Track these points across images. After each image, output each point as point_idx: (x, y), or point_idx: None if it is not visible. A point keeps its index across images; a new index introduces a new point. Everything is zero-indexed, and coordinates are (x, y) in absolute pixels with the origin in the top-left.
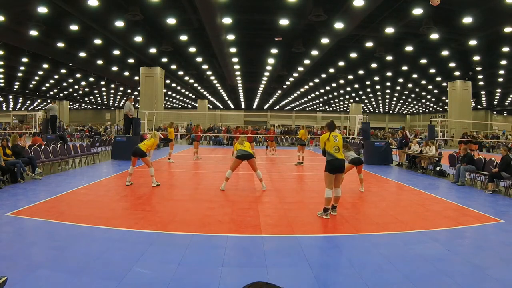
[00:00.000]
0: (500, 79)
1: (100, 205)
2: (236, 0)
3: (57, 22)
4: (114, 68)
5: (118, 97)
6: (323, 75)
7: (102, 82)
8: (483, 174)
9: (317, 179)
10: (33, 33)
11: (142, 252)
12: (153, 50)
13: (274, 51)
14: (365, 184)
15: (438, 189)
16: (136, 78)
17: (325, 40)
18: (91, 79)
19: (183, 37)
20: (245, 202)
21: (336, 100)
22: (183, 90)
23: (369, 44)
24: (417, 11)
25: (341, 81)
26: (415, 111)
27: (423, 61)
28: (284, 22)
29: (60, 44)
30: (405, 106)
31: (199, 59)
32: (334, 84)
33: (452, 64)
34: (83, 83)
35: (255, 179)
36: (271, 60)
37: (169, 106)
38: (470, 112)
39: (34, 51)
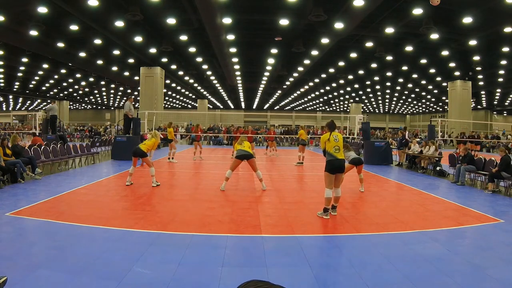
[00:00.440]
0: (500, 79)
1: (100, 205)
2: (236, 0)
3: (57, 22)
4: (114, 68)
5: (118, 97)
6: (323, 75)
7: (102, 82)
8: (483, 174)
9: (317, 179)
10: (33, 33)
11: (142, 252)
12: (153, 50)
13: (274, 51)
14: (365, 184)
15: (438, 189)
16: (136, 78)
17: (325, 40)
18: (91, 79)
19: (183, 37)
20: (245, 202)
21: (336, 100)
22: (183, 90)
23: (369, 44)
24: (417, 11)
25: (341, 81)
26: (415, 111)
27: (423, 61)
28: (284, 22)
29: (60, 44)
30: (405, 106)
31: (199, 59)
32: (334, 84)
33: (452, 64)
34: (83, 83)
35: (255, 179)
36: (271, 60)
37: (169, 106)
38: (470, 112)
39: (34, 51)
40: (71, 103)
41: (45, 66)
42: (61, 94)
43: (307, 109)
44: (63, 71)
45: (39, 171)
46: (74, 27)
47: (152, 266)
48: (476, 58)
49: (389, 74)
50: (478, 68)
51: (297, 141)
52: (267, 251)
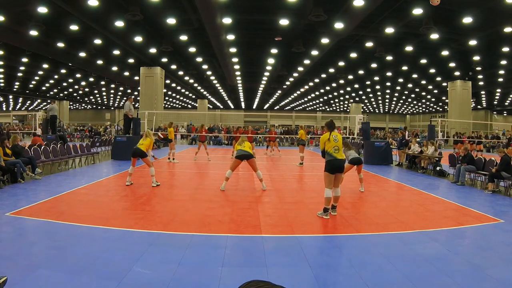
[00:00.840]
0: (500, 79)
1: (100, 205)
2: (236, 0)
3: (57, 22)
4: (114, 68)
5: (118, 97)
6: (323, 75)
7: (102, 82)
8: (483, 174)
9: (317, 179)
10: (33, 33)
11: (142, 252)
12: (153, 50)
13: (274, 51)
14: (365, 184)
15: (438, 189)
16: (136, 78)
17: (325, 40)
18: (91, 79)
19: (183, 37)
20: (245, 202)
21: (336, 100)
22: (183, 90)
23: (369, 44)
24: (417, 11)
25: (341, 81)
26: (415, 111)
27: (423, 61)
28: (284, 22)
29: (60, 44)
30: (405, 106)
31: (199, 59)
32: (334, 84)
33: (452, 64)
34: (83, 83)
35: (255, 179)
36: (271, 60)
37: (169, 106)
38: (470, 112)
39: (34, 51)
40: (71, 103)
41: (45, 66)
42: (61, 94)
43: (307, 109)
44: (63, 71)
45: (39, 171)
46: (74, 27)
47: (152, 266)
48: (476, 58)
49: (389, 74)
50: (478, 68)
51: (297, 141)
52: (267, 251)
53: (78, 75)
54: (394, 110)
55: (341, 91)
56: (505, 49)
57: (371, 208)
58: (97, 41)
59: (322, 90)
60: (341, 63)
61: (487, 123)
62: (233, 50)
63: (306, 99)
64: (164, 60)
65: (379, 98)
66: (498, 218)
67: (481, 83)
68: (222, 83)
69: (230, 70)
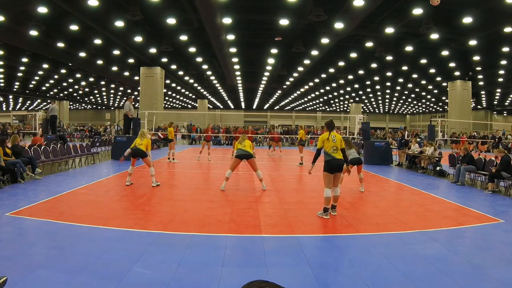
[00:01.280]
0: (500, 79)
1: (100, 205)
2: (236, 0)
3: (57, 22)
4: (114, 68)
5: (118, 97)
6: (323, 75)
7: (102, 82)
8: (483, 174)
9: (317, 179)
10: (33, 33)
11: (142, 252)
12: (153, 50)
13: (274, 51)
14: (365, 184)
15: (438, 189)
16: (136, 78)
17: (325, 40)
18: (91, 79)
19: (183, 37)
20: (245, 202)
21: (336, 100)
22: (183, 90)
23: (369, 44)
24: (417, 11)
25: (341, 81)
26: (415, 111)
27: (423, 61)
28: (284, 22)
29: (60, 44)
30: (405, 106)
31: (199, 59)
32: (334, 84)
33: (452, 64)
34: (83, 83)
35: (255, 179)
36: (271, 60)
37: (169, 106)
38: (470, 112)
39: (34, 51)
40: (71, 103)
41: (45, 66)
42: (61, 94)
43: (307, 109)
44: (63, 71)
45: (39, 171)
46: (74, 27)
47: (152, 266)
48: (476, 58)
49: (389, 74)
50: (478, 68)
51: (297, 141)
52: (267, 251)
53: (78, 75)
54: (394, 110)
55: (341, 91)
56: (505, 49)
57: (371, 208)
58: (97, 41)
59: (322, 90)
60: (341, 63)
61: (487, 123)
62: (233, 50)
63: (306, 99)
64: (164, 60)
65: (379, 98)
66: (498, 218)
67: (481, 83)
68: (222, 83)
69: (230, 70)
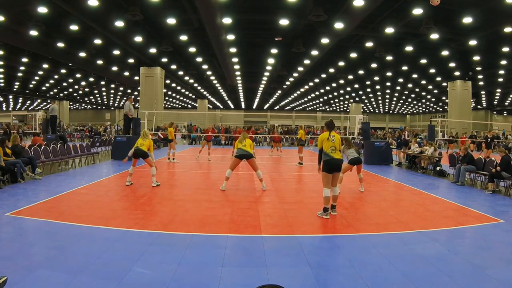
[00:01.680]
0: (500, 79)
1: (100, 205)
2: (236, 0)
3: (57, 22)
4: (114, 68)
5: (118, 97)
6: (323, 75)
7: (102, 82)
8: (483, 174)
9: (317, 179)
10: (33, 33)
11: (142, 252)
12: (153, 50)
13: (274, 51)
14: (365, 184)
15: (438, 189)
16: (136, 78)
17: (325, 40)
18: (91, 79)
19: (183, 37)
20: (245, 202)
21: (336, 100)
22: (183, 90)
23: (369, 44)
24: (417, 11)
25: (341, 81)
26: (415, 111)
27: (423, 61)
28: (284, 22)
29: (60, 44)
30: (405, 106)
31: (199, 59)
32: (334, 84)
33: (452, 64)
34: (83, 83)
35: (255, 179)
36: (271, 60)
37: (169, 106)
38: (470, 112)
39: (34, 51)
40: (71, 103)
41: (45, 66)
42: (61, 94)
43: (307, 109)
44: (63, 71)
45: (39, 171)
46: (74, 27)
47: (152, 266)
48: (476, 58)
49: (389, 74)
50: (478, 68)
51: (297, 141)
52: (267, 251)
53: (78, 75)
54: (394, 110)
55: (341, 91)
56: (505, 49)
57: (371, 208)
58: (97, 41)
59: (322, 90)
60: (341, 63)
61: (487, 123)
62: (233, 50)
63: (306, 99)
64: (164, 60)
65: (379, 98)
66: (498, 218)
67: (481, 83)
68: (222, 83)
69: (230, 70)
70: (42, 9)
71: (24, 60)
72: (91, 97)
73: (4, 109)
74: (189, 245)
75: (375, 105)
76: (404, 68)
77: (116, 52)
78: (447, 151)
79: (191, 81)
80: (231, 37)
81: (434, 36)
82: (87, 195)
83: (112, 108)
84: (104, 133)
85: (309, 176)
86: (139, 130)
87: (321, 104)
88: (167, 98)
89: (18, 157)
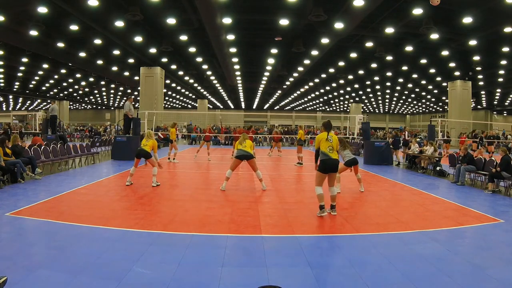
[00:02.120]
0: (500, 79)
1: (100, 205)
2: (236, 0)
3: (57, 22)
4: (114, 68)
5: (118, 97)
6: (323, 75)
7: (102, 82)
8: (483, 174)
9: None
10: (33, 33)
11: (142, 252)
12: (153, 50)
13: (274, 51)
14: (365, 184)
15: (438, 189)
16: (136, 78)
17: (325, 40)
18: (91, 79)
19: (183, 37)
20: (245, 202)
21: (336, 100)
22: (183, 90)
23: (369, 44)
24: (417, 11)
25: (341, 81)
26: (415, 111)
27: (423, 61)
28: (284, 22)
29: (60, 44)
30: (405, 106)
31: (199, 59)
32: (334, 84)
33: (452, 64)
34: (83, 83)
35: (255, 179)
36: (271, 60)
37: (169, 106)
38: (470, 112)
39: (34, 51)
40: (71, 103)
41: (45, 66)
42: (61, 94)
43: (307, 109)
44: (63, 71)
45: (39, 171)
46: (74, 27)
47: (152, 266)
48: (476, 58)
49: (389, 74)
50: (478, 68)
51: (297, 141)
52: (267, 251)
53: (78, 75)
54: (394, 110)
55: (341, 91)
56: (505, 49)
57: (371, 208)
58: (97, 41)
59: (322, 90)
60: (341, 63)
61: (487, 123)
62: (233, 50)
63: (306, 99)
64: (164, 60)
65: (379, 98)
66: (498, 218)
67: (481, 83)
68: (222, 83)
69: (230, 70)
70: (42, 9)
71: (24, 60)
72: (91, 97)
73: (4, 109)
74: (189, 245)
75: (375, 105)
76: (404, 68)
77: (116, 52)
78: (444, 150)
79: (191, 81)
80: (231, 37)
81: (434, 36)
82: (87, 195)
83: (112, 108)
84: (104, 133)
85: (309, 176)
86: (139, 130)
87: (321, 104)
88: (167, 98)
89: (18, 157)
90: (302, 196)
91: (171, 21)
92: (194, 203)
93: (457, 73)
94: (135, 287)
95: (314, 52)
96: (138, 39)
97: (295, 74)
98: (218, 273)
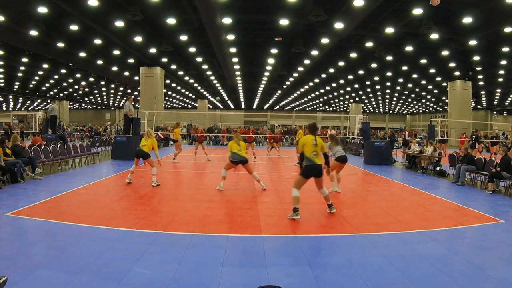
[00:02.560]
0: (500, 79)
1: (100, 205)
2: (236, 0)
3: (57, 22)
4: (114, 68)
5: (118, 97)
6: (323, 75)
7: (102, 82)
8: (483, 174)
9: None
10: (33, 33)
11: (142, 252)
12: (153, 50)
13: (274, 51)
14: (365, 184)
15: (438, 189)
16: (136, 78)
17: (325, 40)
18: (91, 79)
19: (183, 37)
20: (245, 202)
21: (336, 100)
22: (183, 90)
23: (369, 44)
24: (417, 11)
25: (341, 81)
26: (415, 111)
27: (423, 61)
28: (284, 22)
29: (60, 44)
30: (405, 106)
31: (199, 59)
32: (334, 84)
33: (452, 64)
34: (83, 83)
35: (255, 179)
36: (271, 60)
37: (169, 106)
38: (470, 112)
39: (34, 51)
40: (71, 103)
41: (45, 66)
42: (61, 94)
43: (307, 109)
44: (63, 71)
45: (39, 171)
46: (74, 27)
47: (152, 266)
48: (476, 58)
49: (389, 74)
50: (478, 68)
51: (296, 141)
52: (267, 251)
53: (78, 75)
54: (394, 110)
55: (341, 91)
56: (505, 49)
57: (371, 208)
58: (97, 41)
59: (322, 90)
60: (341, 63)
61: (487, 123)
62: (233, 50)
63: (306, 99)
64: (164, 60)
65: (379, 98)
66: (498, 218)
67: (481, 83)
68: (222, 83)
69: (230, 70)
70: (42, 9)
71: (24, 60)
72: (91, 97)
73: (4, 109)
74: (189, 245)
75: (375, 105)
76: (404, 68)
77: (116, 52)
78: (439, 150)
79: (191, 81)
80: (231, 37)
81: (434, 36)
82: (87, 195)
83: (112, 108)
84: (104, 133)
85: None
86: (139, 130)
87: (321, 104)
88: (167, 98)
89: (18, 157)
90: (301, 196)
91: (171, 21)
92: (194, 203)
93: (457, 73)
94: (135, 287)
95: (314, 52)
96: (138, 39)
97: (295, 74)
98: (218, 273)
